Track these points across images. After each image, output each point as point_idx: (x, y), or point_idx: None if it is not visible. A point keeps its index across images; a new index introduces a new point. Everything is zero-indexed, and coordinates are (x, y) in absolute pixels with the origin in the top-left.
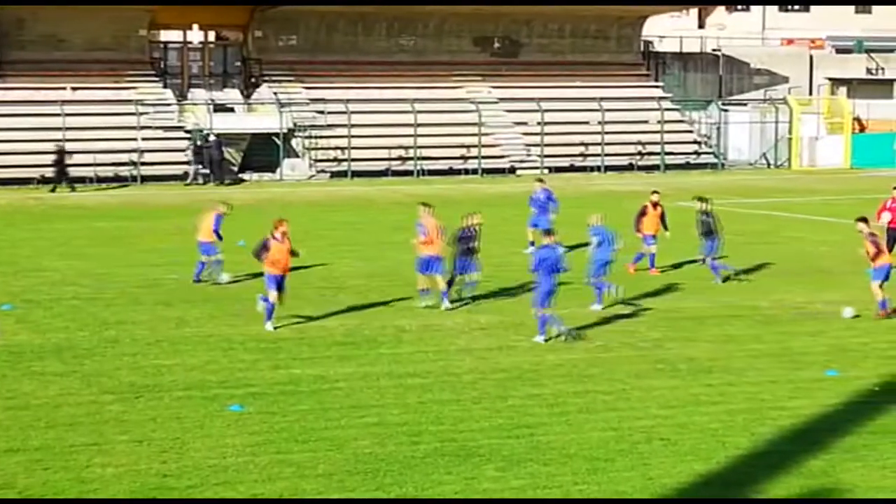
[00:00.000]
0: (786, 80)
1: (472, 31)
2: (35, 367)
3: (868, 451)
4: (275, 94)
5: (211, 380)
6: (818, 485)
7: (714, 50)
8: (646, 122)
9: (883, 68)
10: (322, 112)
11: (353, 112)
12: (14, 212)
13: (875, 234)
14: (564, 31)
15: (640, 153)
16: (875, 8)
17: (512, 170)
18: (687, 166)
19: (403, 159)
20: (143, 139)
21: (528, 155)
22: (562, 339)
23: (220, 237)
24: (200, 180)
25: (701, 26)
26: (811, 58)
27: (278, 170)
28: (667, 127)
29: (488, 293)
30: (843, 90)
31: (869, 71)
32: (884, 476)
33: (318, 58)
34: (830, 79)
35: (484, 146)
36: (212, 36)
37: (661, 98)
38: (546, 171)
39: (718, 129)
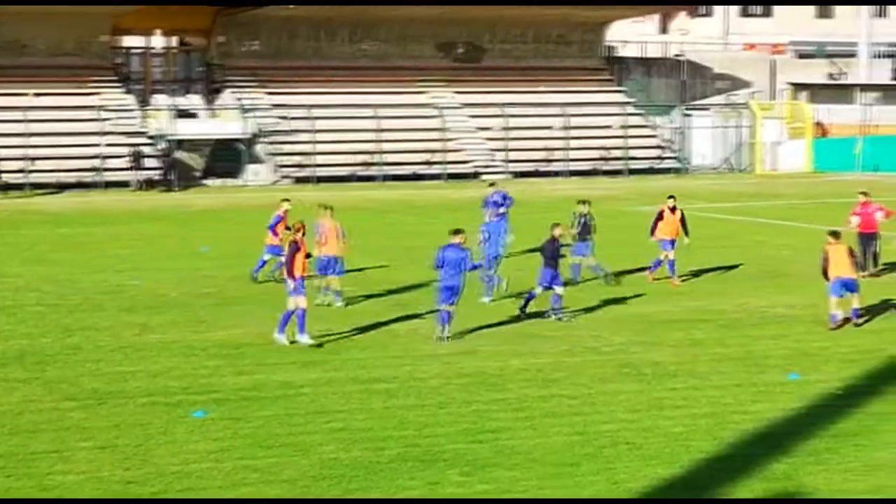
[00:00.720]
0: (748, 84)
1: (436, 36)
2: None
3: (830, 455)
4: (238, 99)
5: (174, 386)
6: (781, 488)
7: (676, 55)
8: (609, 126)
9: (844, 73)
10: (285, 117)
11: (316, 117)
12: None
13: (852, 249)
14: (527, 36)
15: (603, 158)
16: (836, 13)
17: (476, 175)
18: (650, 171)
19: (367, 164)
20: (107, 145)
21: (493, 160)
22: (443, 338)
23: (274, 233)
24: (143, 186)
25: (663, 31)
26: (773, 63)
27: (241, 175)
28: (630, 132)
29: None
30: (804, 95)
31: (830, 76)
32: (846, 479)
33: (281, 63)
34: (792, 84)
35: (448, 151)
36: (174, 41)
37: (624, 103)
38: (510, 175)
39: (681, 133)
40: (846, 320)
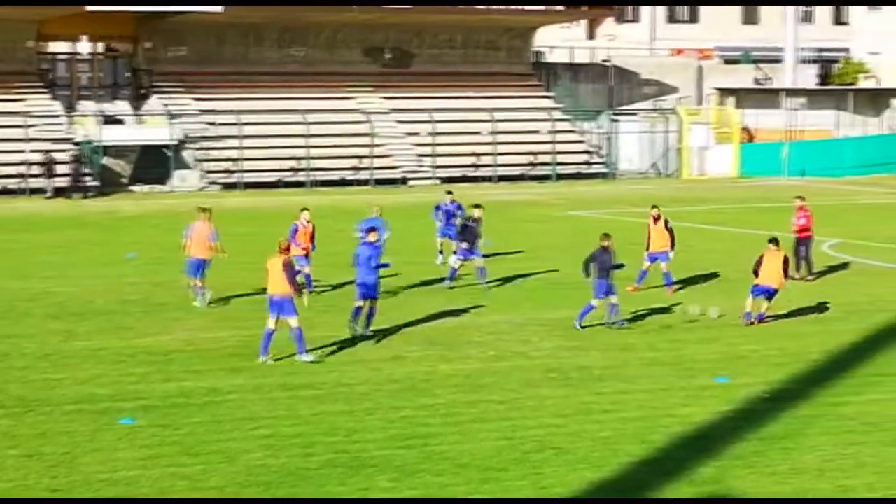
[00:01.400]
0: (675, 90)
1: (364, 41)
2: None
3: (758, 458)
4: (165, 105)
5: (101, 393)
6: (709, 491)
7: (604, 60)
8: (537, 132)
9: (770, 78)
10: (213, 123)
11: (244, 123)
12: None
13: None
14: (455, 41)
15: (531, 163)
16: (762, 18)
17: (404, 180)
18: (578, 176)
19: (295, 170)
20: (32, 151)
21: (420, 165)
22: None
23: (295, 243)
24: (53, 193)
25: (591, 37)
26: (700, 68)
27: (169, 181)
28: (558, 137)
29: (383, 302)
30: (731, 100)
31: (756, 81)
32: (773, 482)
33: (208, 68)
34: (719, 89)
35: (376, 157)
36: (101, 47)
37: (552, 108)
38: (438, 181)
39: (609, 138)
40: (760, 321)
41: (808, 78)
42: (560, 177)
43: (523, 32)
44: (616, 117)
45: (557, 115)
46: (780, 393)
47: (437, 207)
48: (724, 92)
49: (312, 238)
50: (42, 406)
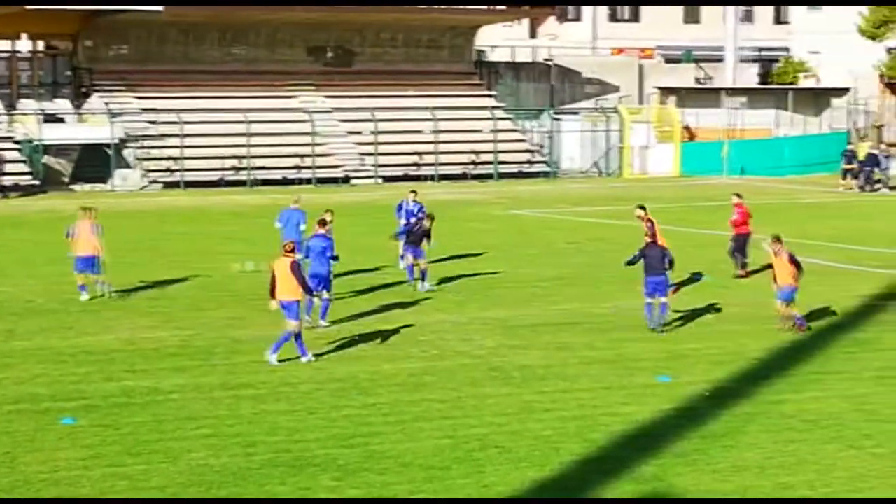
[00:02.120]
0: (616, 89)
1: (305, 40)
2: None
3: (699, 456)
4: (106, 103)
5: (42, 393)
6: (650, 489)
7: (546, 59)
8: (479, 131)
9: (711, 77)
10: (154, 122)
11: (185, 122)
12: None
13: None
14: (397, 40)
15: (473, 162)
16: (703, 18)
17: (346, 179)
18: (520, 175)
19: (237, 169)
20: None
21: (363, 164)
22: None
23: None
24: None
25: (533, 36)
26: (641, 67)
27: (110, 180)
28: (500, 136)
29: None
30: (672, 99)
31: (697, 80)
32: (714, 480)
33: (149, 67)
34: (660, 88)
35: (317, 155)
36: (41, 45)
37: (493, 107)
38: (380, 180)
39: (551, 137)
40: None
41: (749, 77)
42: (502, 176)
43: (465, 31)
44: (558, 116)
45: (499, 114)
46: (720, 391)
47: (400, 206)
48: (666, 91)
49: None
50: None
